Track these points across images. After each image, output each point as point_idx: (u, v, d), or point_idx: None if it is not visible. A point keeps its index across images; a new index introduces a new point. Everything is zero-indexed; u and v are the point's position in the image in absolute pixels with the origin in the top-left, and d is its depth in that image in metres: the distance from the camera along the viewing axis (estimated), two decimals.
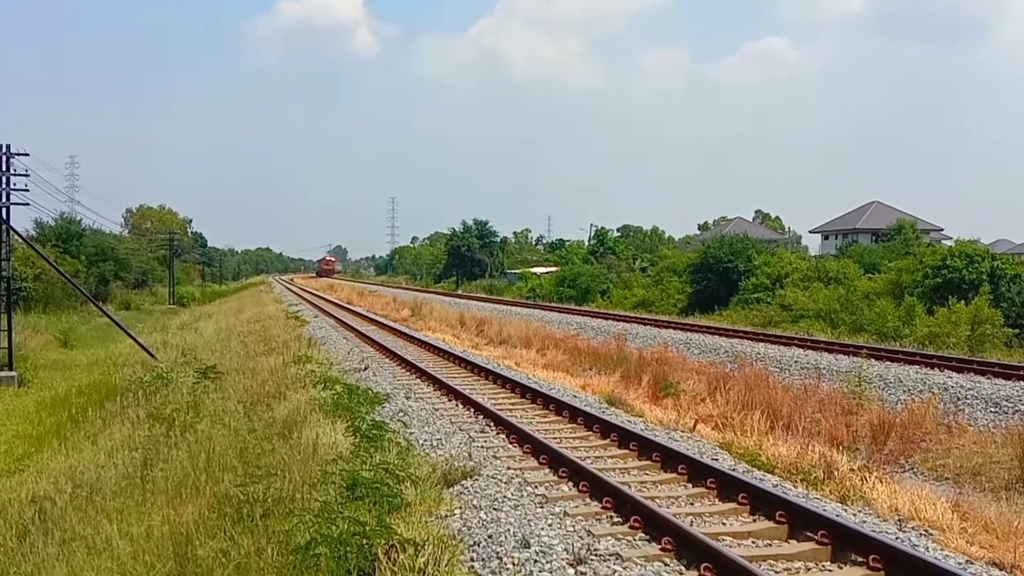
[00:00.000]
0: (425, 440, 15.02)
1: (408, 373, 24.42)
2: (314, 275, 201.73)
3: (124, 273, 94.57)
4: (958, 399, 21.06)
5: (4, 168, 38.34)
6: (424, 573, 8.16)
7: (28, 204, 41.53)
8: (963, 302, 38.32)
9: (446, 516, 10.42)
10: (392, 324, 43.88)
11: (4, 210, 38.69)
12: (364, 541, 8.63)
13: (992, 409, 20.24)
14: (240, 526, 11.21)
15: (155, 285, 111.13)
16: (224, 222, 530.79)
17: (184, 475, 15.10)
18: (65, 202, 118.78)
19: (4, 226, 38.89)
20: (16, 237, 43.10)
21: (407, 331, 38.72)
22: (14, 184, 38.84)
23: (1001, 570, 9.11)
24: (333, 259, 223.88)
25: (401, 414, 17.36)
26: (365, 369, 24.68)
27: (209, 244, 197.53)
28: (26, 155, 39.96)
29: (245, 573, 9.80)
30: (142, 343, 38.43)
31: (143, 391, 25.54)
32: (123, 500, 15.17)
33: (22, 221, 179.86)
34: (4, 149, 38.42)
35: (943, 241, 72.83)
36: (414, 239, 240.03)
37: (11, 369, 35.80)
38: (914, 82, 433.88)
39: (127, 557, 11.93)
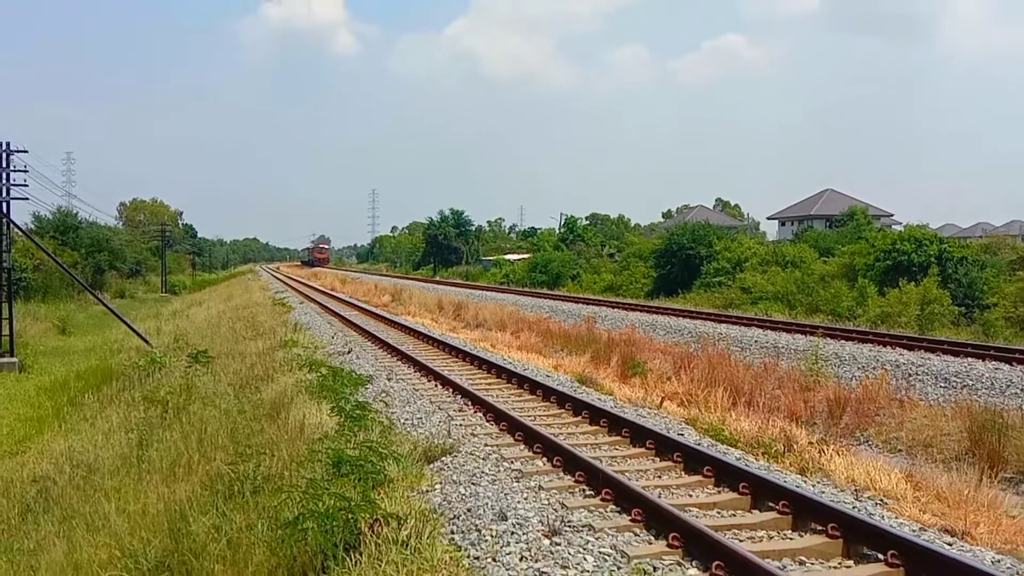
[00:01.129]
0: (406, 419, 14.95)
1: (389, 356, 24.32)
2: (300, 264, 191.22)
3: (119, 263, 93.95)
4: (909, 375, 21.14)
5: (4, 164, 38.11)
6: (407, 545, 8.12)
7: (27, 199, 41.32)
8: (913, 283, 38.47)
9: (427, 491, 10.37)
10: (374, 309, 43.70)
11: (4, 204, 38.47)
12: (349, 516, 8.59)
13: (942, 384, 20.33)
14: (231, 503, 11.19)
15: (148, 274, 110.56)
16: (213, 214, 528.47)
17: (178, 455, 15.06)
18: (62, 196, 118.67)
19: (4, 220, 38.65)
20: (16, 230, 42.76)
21: (388, 316, 38.55)
22: (14, 180, 38.67)
23: (952, 536, 9.13)
24: (326, 246, 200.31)
25: (383, 395, 17.27)
26: (348, 352, 24.57)
27: (199, 235, 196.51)
28: (25, 152, 39.85)
29: (237, 547, 9.77)
30: (137, 330, 38.23)
31: (138, 375, 25.50)
32: (120, 479, 15.12)
33: (22, 215, 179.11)
34: (4, 146, 38.19)
35: (893, 226, 73.18)
36: (394, 228, 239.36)
37: (12, 355, 35.70)
38: (865, 76, 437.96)
39: (124, 533, 11.91)
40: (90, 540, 12.22)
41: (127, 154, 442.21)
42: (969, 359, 22.31)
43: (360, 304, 48.43)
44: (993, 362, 21.75)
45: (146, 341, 35.76)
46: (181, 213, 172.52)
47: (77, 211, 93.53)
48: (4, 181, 38.18)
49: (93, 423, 21.29)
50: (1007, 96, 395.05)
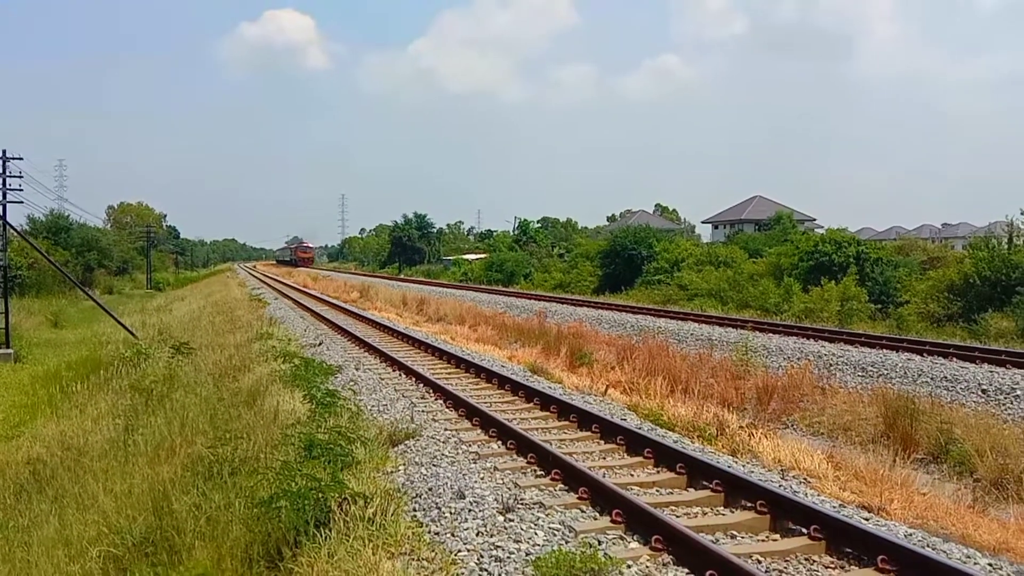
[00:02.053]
0: (373, 406, 14.88)
1: (358, 347, 24.21)
2: (275, 263, 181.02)
3: (107, 262, 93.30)
4: (831, 365, 21.28)
5: (1, 171, 37.67)
6: (373, 522, 8.09)
7: (23, 202, 41.17)
8: (833, 282, 38.78)
9: (391, 472, 10.33)
10: (343, 305, 43.46)
11: (1, 207, 38.02)
12: (320, 495, 8.55)
13: (860, 373, 20.49)
14: (211, 483, 11.10)
15: (134, 272, 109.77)
16: (195, 216, 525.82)
17: (161, 439, 14.92)
18: (55, 200, 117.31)
19: (1, 221, 38.20)
20: (12, 231, 42.29)
21: (356, 311, 38.38)
22: (9, 185, 38.31)
23: (869, 512, 9.22)
24: (310, 245, 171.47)
25: (351, 383, 17.18)
26: (320, 344, 24.42)
27: (182, 236, 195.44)
28: (20, 159, 39.47)
29: (216, 524, 9.71)
30: (123, 323, 37.80)
31: (125, 365, 25.16)
32: (108, 461, 14.96)
33: (17, 217, 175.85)
34: (1, 154, 37.74)
35: (816, 229, 73.59)
36: (362, 230, 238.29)
37: (8, 347, 35.25)
38: (790, 91, 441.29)
39: (111, 511, 11.78)
40: (80, 518, 12.09)
41: (116, 162, 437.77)
42: (884, 350, 22.53)
43: (330, 300, 48.19)
44: (906, 353, 21.97)
45: (132, 334, 35.35)
46: (165, 215, 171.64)
47: (68, 213, 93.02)
48: (1, 186, 37.76)
49: (83, 409, 21.04)
50: (916, 112, 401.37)
